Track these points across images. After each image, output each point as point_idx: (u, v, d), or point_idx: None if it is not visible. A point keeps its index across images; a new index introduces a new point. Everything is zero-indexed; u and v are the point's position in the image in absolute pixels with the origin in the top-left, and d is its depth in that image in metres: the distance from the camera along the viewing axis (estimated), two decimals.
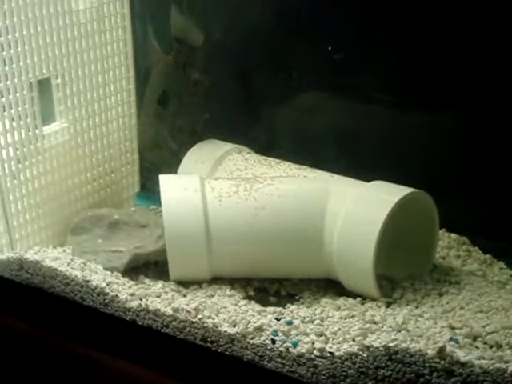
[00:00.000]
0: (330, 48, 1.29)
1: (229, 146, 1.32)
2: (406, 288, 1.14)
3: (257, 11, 1.36)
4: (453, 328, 1.02)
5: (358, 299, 1.12)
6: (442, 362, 0.90)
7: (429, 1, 1.22)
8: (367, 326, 1.01)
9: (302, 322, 1.04)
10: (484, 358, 0.90)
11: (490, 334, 1.00)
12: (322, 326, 1.03)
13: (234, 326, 1.04)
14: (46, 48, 1.22)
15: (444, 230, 1.28)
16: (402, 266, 1.18)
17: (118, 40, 1.33)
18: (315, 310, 1.08)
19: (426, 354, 0.90)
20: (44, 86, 1.24)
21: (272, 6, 1.35)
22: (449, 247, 1.26)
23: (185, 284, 1.19)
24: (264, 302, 1.15)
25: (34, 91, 1.20)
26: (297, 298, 1.18)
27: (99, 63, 1.31)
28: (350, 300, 1.12)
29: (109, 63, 1.33)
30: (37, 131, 1.23)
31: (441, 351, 0.90)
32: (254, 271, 1.20)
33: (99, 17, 1.29)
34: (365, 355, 0.94)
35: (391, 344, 0.92)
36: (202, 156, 1.31)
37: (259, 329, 1.02)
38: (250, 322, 1.04)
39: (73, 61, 1.27)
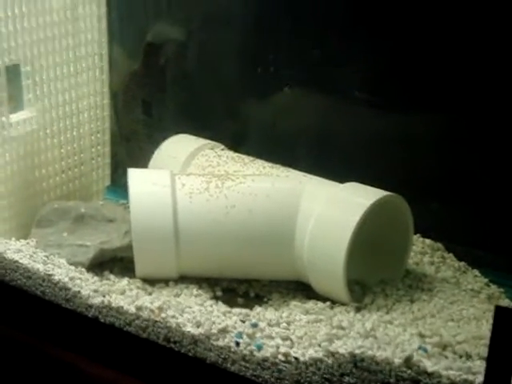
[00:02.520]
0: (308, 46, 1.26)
1: (202, 141, 1.29)
2: (377, 293, 1.12)
3: (233, 5, 1.33)
4: (422, 336, 0.99)
5: (328, 303, 1.09)
6: (409, 372, 0.87)
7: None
8: (334, 331, 0.98)
9: (268, 324, 1.01)
10: (452, 369, 0.87)
11: (460, 343, 0.98)
12: (288, 329, 1.00)
13: (198, 327, 1.01)
14: (15, 33, 1.18)
15: (419, 235, 1.26)
16: (375, 271, 1.16)
17: (91, 28, 1.29)
18: (282, 312, 1.05)
19: (393, 362, 0.88)
20: (12, 72, 1.20)
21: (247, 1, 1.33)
22: (423, 253, 1.23)
23: (151, 282, 1.15)
24: (231, 303, 1.12)
25: (2, 77, 1.16)
26: (265, 299, 1.15)
27: (71, 52, 1.27)
28: (320, 304, 1.10)
29: (81, 52, 1.29)
30: (3, 119, 1.19)
31: (408, 360, 0.87)
32: (223, 271, 1.16)
33: (73, 4, 1.26)
34: (330, 361, 0.91)
35: (357, 351, 0.90)
36: (173, 151, 1.27)
37: (224, 330, 1.00)
38: (214, 323, 1.01)
39: (43, 48, 1.23)
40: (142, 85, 1.43)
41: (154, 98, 1.43)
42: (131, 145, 1.47)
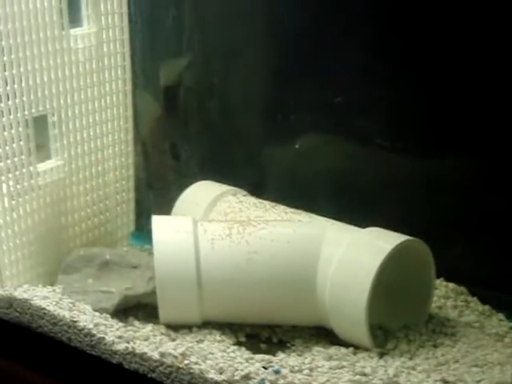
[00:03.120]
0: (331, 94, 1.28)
1: (224, 187, 1.31)
2: (400, 338, 1.11)
3: (252, 52, 1.36)
4: (446, 382, 0.99)
5: (351, 349, 1.09)
6: None
7: (430, 43, 1.20)
8: (357, 377, 0.97)
9: (291, 371, 1.01)
10: None
11: None
12: (310, 376, 1.00)
13: (221, 374, 1.01)
14: (43, 85, 1.21)
15: (442, 279, 1.25)
16: (397, 316, 1.15)
17: (116, 79, 1.33)
18: (305, 359, 1.05)
19: None
20: (40, 123, 1.23)
21: (268, 46, 1.35)
22: (446, 297, 1.23)
23: (175, 328, 1.16)
24: (254, 349, 1.12)
25: (30, 128, 1.20)
26: (288, 345, 1.15)
27: (97, 101, 1.30)
28: (343, 349, 1.09)
29: (107, 101, 1.32)
30: (31, 168, 1.22)
31: None
32: (246, 317, 1.17)
33: (98, 55, 1.29)
34: None
35: None
36: (196, 197, 1.29)
37: (246, 377, 1.00)
38: (237, 369, 1.01)
39: (70, 99, 1.26)
40: (165, 131, 1.46)
41: (177, 143, 1.46)
42: (157, 191, 1.49)
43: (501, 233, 1.22)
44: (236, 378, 1.00)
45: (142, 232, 1.44)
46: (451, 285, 1.25)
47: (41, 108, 1.22)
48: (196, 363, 1.03)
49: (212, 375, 1.01)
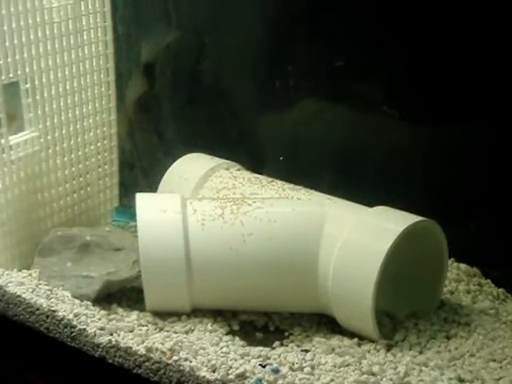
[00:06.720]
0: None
1: (216, 160, 1.21)
2: (409, 328, 1.03)
3: (246, 16, 1.25)
4: (462, 381, 0.90)
5: (355, 340, 1.01)
6: None
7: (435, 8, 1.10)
8: (364, 377, 0.89)
9: (291, 369, 0.92)
10: None
11: None
12: (312, 375, 0.91)
13: (214, 372, 0.92)
14: (13, 49, 1.10)
15: (453, 259, 1.16)
16: (406, 302, 1.07)
17: (96, 41, 1.21)
18: (305, 354, 0.96)
19: None
20: (11, 91, 1.13)
21: (262, 9, 1.24)
22: (458, 280, 1.14)
23: (162, 315, 1.07)
24: (250, 339, 1.04)
25: (0, 97, 1.09)
26: (286, 334, 1.06)
27: (75, 66, 1.20)
28: (346, 340, 1.01)
29: (86, 66, 1.21)
30: (2, 141, 1.12)
31: None
32: (240, 303, 1.08)
33: (75, 15, 1.17)
34: None
35: None
36: (185, 171, 1.19)
37: (242, 376, 0.91)
38: (231, 367, 0.92)
39: (44, 64, 1.15)
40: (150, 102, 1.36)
41: (165, 114, 1.36)
42: (143, 163, 1.39)
43: None
44: (230, 376, 0.91)
45: (128, 207, 1.33)
46: (463, 266, 1.17)
47: (11, 74, 1.11)
48: (186, 359, 0.95)
49: (204, 373, 0.92)
